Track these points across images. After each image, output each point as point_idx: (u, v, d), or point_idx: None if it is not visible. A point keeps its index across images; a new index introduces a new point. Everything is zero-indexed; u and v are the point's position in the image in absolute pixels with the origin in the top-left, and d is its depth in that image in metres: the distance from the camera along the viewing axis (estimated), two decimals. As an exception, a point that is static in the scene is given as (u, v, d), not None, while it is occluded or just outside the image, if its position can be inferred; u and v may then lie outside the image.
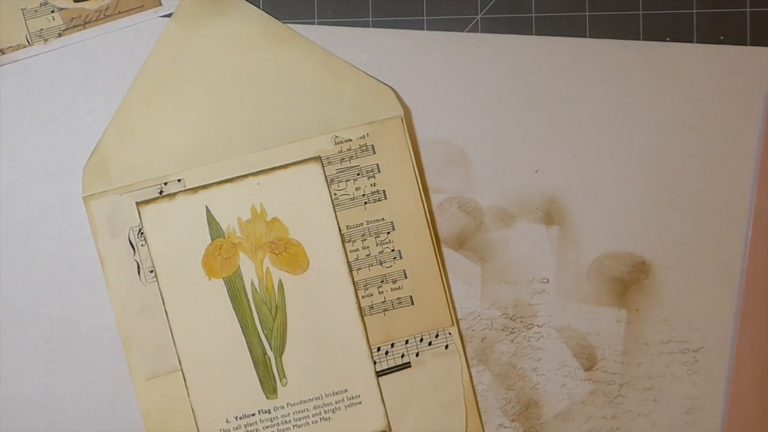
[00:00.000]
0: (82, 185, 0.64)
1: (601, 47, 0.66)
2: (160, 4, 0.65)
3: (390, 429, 0.64)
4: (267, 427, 0.63)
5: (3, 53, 0.65)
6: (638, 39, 0.66)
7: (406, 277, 0.64)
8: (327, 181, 0.64)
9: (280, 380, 0.64)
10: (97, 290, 0.64)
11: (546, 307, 0.66)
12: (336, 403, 0.64)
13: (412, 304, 0.64)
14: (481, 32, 0.66)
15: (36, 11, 0.65)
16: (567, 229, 0.66)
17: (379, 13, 0.66)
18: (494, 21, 0.66)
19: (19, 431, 0.64)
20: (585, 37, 0.66)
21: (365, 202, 0.65)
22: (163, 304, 0.63)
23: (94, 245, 0.64)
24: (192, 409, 0.63)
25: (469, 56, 0.66)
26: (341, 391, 0.64)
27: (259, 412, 0.63)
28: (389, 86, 0.65)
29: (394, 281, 0.64)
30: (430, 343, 0.64)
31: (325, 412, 0.64)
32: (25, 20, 0.65)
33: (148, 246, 0.63)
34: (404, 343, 0.64)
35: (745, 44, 0.66)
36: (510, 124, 0.66)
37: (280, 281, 0.64)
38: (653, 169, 0.66)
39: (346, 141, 0.64)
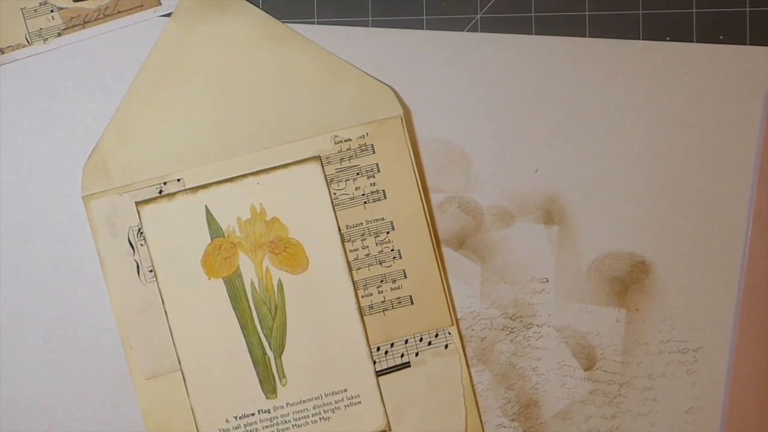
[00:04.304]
0: (82, 185, 0.64)
1: (601, 47, 0.66)
2: (160, 4, 0.65)
3: (389, 429, 0.64)
4: (266, 426, 0.63)
5: (2, 53, 0.65)
6: (638, 39, 0.66)
7: (405, 277, 0.64)
8: (327, 180, 0.64)
9: (280, 380, 0.64)
10: (96, 290, 0.64)
11: (546, 307, 0.66)
12: (335, 402, 0.64)
13: (412, 303, 0.64)
14: (480, 32, 0.66)
15: (35, 11, 0.65)
16: (567, 229, 0.66)
17: (379, 13, 0.66)
18: (494, 20, 0.66)
19: (19, 431, 0.64)
20: (585, 36, 0.66)
21: (365, 202, 0.65)
22: (163, 303, 0.63)
23: (93, 245, 0.64)
24: (192, 409, 0.63)
25: (468, 56, 0.66)
26: (341, 391, 0.64)
27: (259, 412, 0.64)
28: (389, 86, 0.65)
29: (394, 281, 0.64)
30: (429, 343, 0.65)
31: (325, 411, 0.64)
32: (24, 20, 0.65)
33: (147, 246, 0.63)
34: (404, 342, 0.64)
35: (745, 44, 0.66)
36: (510, 124, 0.66)
37: (279, 281, 0.64)
38: (653, 168, 0.66)
39: (345, 141, 0.64)
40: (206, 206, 0.64)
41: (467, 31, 0.66)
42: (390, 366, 0.64)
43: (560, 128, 0.66)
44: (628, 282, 0.66)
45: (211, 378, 0.63)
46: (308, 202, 0.64)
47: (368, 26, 0.66)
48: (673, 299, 0.66)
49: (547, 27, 0.66)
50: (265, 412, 0.64)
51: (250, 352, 0.64)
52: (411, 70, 0.66)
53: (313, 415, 0.64)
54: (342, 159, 0.64)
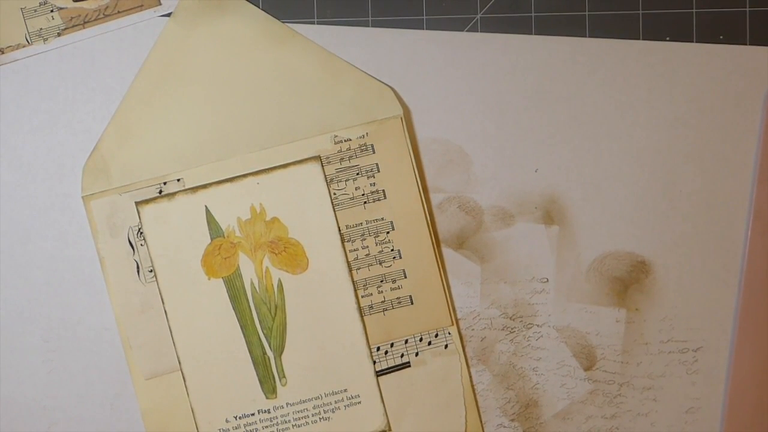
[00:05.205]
0: (82, 185, 0.64)
1: (600, 47, 0.66)
2: (160, 4, 0.65)
3: (389, 429, 0.64)
4: (266, 426, 0.64)
5: (2, 53, 0.65)
6: (638, 39, 0.66)
7: (405, 277, 0.64)
8: (326, 180, 0.64)
9: (280, 380, 0.64)
10: (96, 290, 0.64)
11: (546, 307, 0.66)
12: (335, 402, 0.64)
13: (412, 303, 0.64)
14: (480, 32, 0.66)
15: (35, 11, 0.65)
16: (567, 229, 0.66)
17: (379, 13, 0.66)
18: (494, 20, 0.66)
19: (19, 431, 0.64)
20: (585, 36, 0.66)
21: (365, 202, 0.65)
22: (163, 303, 0.63)
23: (93, 245, 0.64)
24: (192, 409, 0.63)
25: (468, 56, 0.66)
26: (341, 391, 0.64)
27: (259, 412, 0.64)
28: (389, 86, 0.65)
29: (394, 281, 0.64)
30: (429, 343, 0.65)
31: (325, 411, 0.64)
32: (24, 20, 0.65)
33: (147, 246, 0.63)
34: (404, 342, 0.64)
35: (745, 44, 0.66)
36: (510, 124, 0.66)
37: (279, 281, 0.64)
38: (653, 168, 0.66)
39: (345, 141, 0.64)
40: (206, 206, 0.64)
41: (467, 31, 0.66)
42: (390, 366, 0.64)
43: (560, 128, 0.66)
44: (628, 282, 0.66)
45: (211, 378, 0.63)
46: (308, 202, 0.64)
47: (368, 26, 0.66)
48: (673, 299, 0.66)
49: (547, 27, 0.66)
50: (265, 412, 0.64)
51: (250, 352, 0.64)
52: (411, 70, 0.66)
53: (313, 415, 0.64)
54: (342, 159, 0.64)
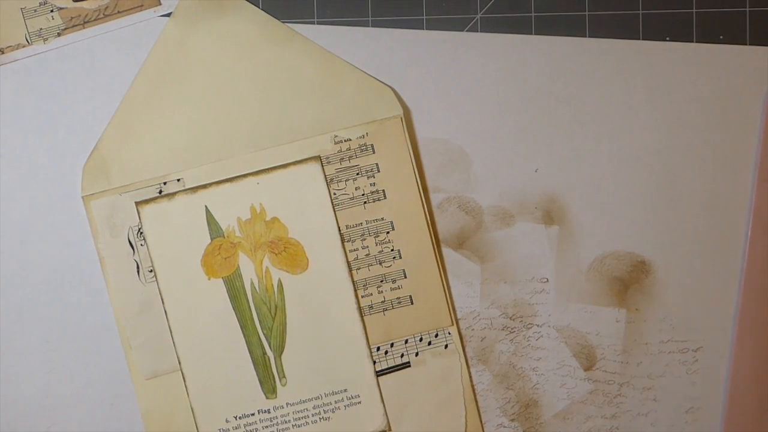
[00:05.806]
0: (82, 185, 0.64)
1: (600, 47, 0.66)
2: (160, 4, 0.65)
3: (389, 429, 0.64)
4: (266, 426, 0.64)
5: (2, 53, 0.65)
6: (638, 39, 0.66)
7: (405, 277, 0.64)
8: (326, 180, 0.64)
9: (280, 380, 0.64)
10: (96, 290, 0.64)
11: (546, 307, 0.66)
12: (335, 402, 0.64)
13: (412, 303, 0.64)
14: (480, 32, 0.66)
15: (35, 11, 0.65)
16: (567, 229, 0.66)
17: (379, 13, 0.66)
18: (494, 20, 0.66)
19: (19, 431, 0.64)
20: (585, 36, 0.66)
21: (365, 202, 0.65)
22: (163, 303, 0.63)
23: (93, 245, 0.64)
24: (192, 409, 0.63)
25: (468, 56, 0.66)
26: (341, 391, 0.64)
27: (259, 412, 0.64)
28: (389, 86, 0.65)
29: (394, 281, 0.64)
30: (429, 343, 0.65)
31: (325, 411, 0.64)
32: (24, 20, 0.65)
33: (147, 246, 0.63)
34: (404, 342, 0.64)
35: (745, 44, 0.66)
36: (510, 124, 0.66)
37: (279, 281, 0.64)
38: (653, 169, 0.66)
39: (345, 141, 0.64)
40: (206, 206, 0.64)
41: (467, 31, 0.66)
42: (390, 366, 0.64)
43: (560, 128, 0.66)
44: (628, 282, 0.66)
45: (211, 378, 0.63)
46: (308, 202, 0.64)
47: (368, 26, 0.66)
48: (673, 299, 0.66)
49: (547, 27, 0.66)
50: (265, 412, 0.64)
51: (250, 352, 0.64)
52: (411, 70, 0.66)
53: (313, 415, 0.64)
54: (342, 159, 0.64)
